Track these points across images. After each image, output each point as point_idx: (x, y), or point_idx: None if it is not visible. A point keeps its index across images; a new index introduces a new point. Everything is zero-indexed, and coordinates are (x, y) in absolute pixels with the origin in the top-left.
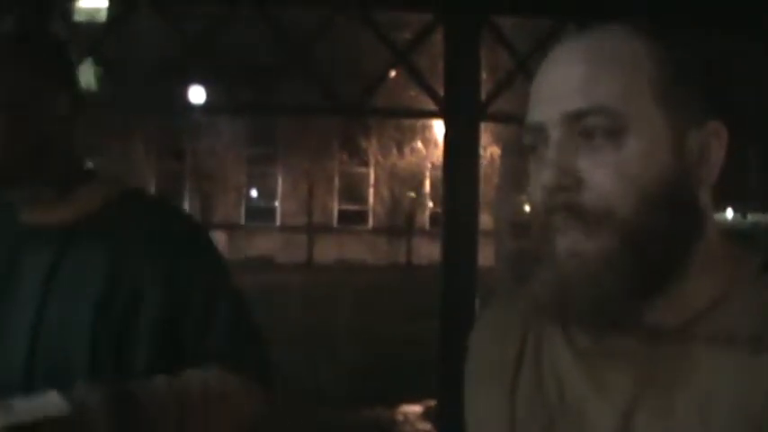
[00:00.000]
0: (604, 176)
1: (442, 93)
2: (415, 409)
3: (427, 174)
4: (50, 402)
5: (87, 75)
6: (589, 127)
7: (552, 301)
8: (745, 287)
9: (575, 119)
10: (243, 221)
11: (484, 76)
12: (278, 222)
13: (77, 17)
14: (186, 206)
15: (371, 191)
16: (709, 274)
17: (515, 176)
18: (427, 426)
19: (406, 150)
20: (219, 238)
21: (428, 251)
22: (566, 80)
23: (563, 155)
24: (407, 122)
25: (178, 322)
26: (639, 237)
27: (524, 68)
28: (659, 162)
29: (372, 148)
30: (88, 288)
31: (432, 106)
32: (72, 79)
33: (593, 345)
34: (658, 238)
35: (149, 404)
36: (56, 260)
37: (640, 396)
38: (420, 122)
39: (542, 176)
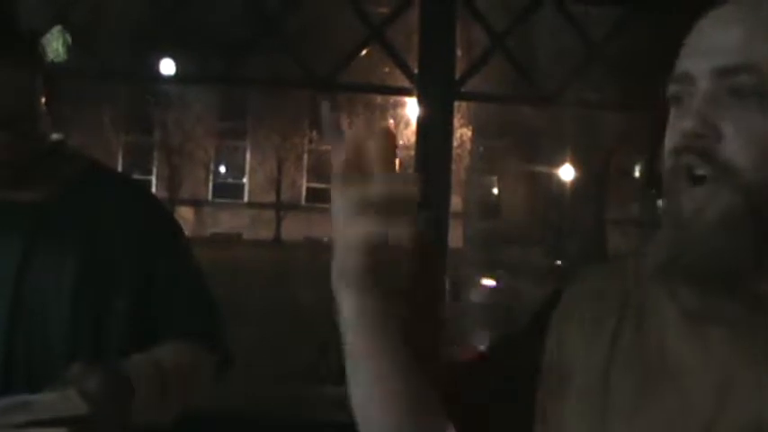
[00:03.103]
0: (745, 136)
1: (415, 70)
2: None
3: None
4: (68, 399)
5: (56, 44)
6: (739, 84)
7: (668, 256)
8: None
9: (726, 74)
10: (210, 197)
11: (459, 53)
12: (246, 199)
13: None
14: (154, 180)
15: None
16: None
17: (485, 158)
18: None
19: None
20: (187, 214)
21: None
22: (723, 37)
23: (707, 106)
24: (378, 101)
25: (148, 295)
26: (763, 205)
27: (500, 46)
28: None
29: (342, 126)
30: (65, 264)
31: (405, 84)
32: (34, 50)
33: (699, 308)
34: None
35: (139, 385)
36: (30, 237)
37: (747, 359)
38: (391, 101)
39: (683, 123)
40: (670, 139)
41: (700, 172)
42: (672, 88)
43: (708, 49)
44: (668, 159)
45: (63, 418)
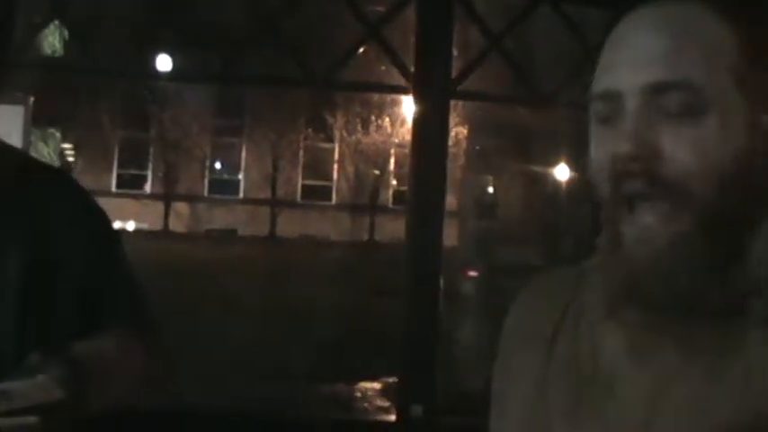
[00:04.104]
0: (684, 152)
1: (412, 69)
2: (374, 385)
3: (392, 151)
4: (43, 386)
5: (53, 39)
6: (670, 100)
7: (621, 289)
8: None
9: (656, 91)
10: (206, 193)
11: (455, 53)
12: (241, 195)
13: None
14: (150, 176)
15: (336, 167)
16: (766, 256)
17: (481, 157)
18: (385, 402)
19: (372, 127)
20: (182, 210)
21: (390, 228)
22: (647, 50)
23: (641, 125)
24: (374, 99)
25: (90, 287)
26: (712, 217)
27: (497, 47)
28: (735, 144)
29: (338, 124)
30: (10, 260)
31: (402, 82)
32: None
33: (639, 318)
34: (729, 219)
35: (90, 373)
36: None
37: (683, 366)
38: (387, 99)
39: (617, 146)
40: (603, 161)
41: (644, 196)
42: (597, 106)
43: (633, 63)
44: (606, 185)
45: (40, 405)
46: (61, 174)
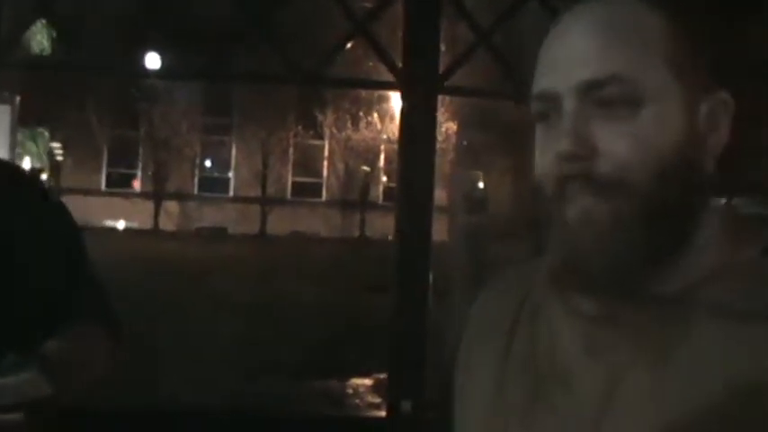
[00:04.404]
0: (620, 146)
1: (400, 64)
2: (365, 381)
3: (382, 148)
4: (32, 382)
5: (40, 37)
6: (605, 96)
7: (565, 268)
8: (746, 263)
9: (590, 88)
10: (196, 191)
11: (443, 48)
12: (231, 193)
13: None
14: (139, 175)
15: (326, 163)
16: (713, 245)
17: (470, 153)
18: (377, 399)
19: (362, 124)
20: (172, 208)
21: (381, 225)
22: (579, 49)
23: (578, 124)
24: (363, 96)
25: (54, 287)
26: (653, 206)
27: (485, 42)
28: (674, 131)
29: (328, 120)
30: None
31: (390, 78)
32: None
33: (593, 309)
34: (671, 208)
35: (62, 370)
36: None
37: (633, 356)
38: (376, 96)
39: (557, 145)
40: (544, 161)
41: (584, 196)
42: (536, 106)
43: (567, 63)
44: (549, 185)
45: (30, 401)
46: (20, 171)
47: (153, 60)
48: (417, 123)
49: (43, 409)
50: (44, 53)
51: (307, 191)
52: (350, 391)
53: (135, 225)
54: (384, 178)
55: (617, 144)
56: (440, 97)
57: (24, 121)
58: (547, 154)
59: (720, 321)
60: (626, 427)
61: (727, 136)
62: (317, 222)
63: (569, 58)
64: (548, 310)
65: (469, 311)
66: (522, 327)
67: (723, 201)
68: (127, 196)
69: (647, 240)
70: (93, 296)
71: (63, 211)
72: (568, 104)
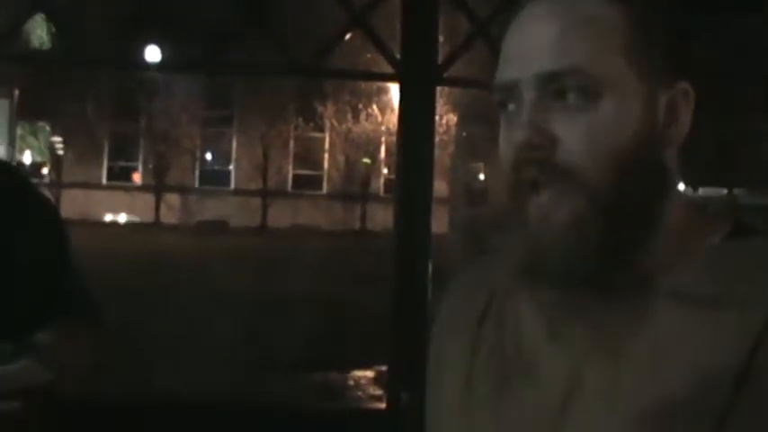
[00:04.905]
0: (578, 137)
1: (398, 55)
2: (366, 374)
3: (383, 139)
4: (32, 369)
5: (40, 31)
6: (563, 88)
7: (524, 265)
8: (706, 250)
9: (548, 79)
10: (197, 184)
11: (441, 39)
12: (232, 186)
13: None
14: (140, 168)
15: (326, 156)
16: (673, 235)
17: (471, 144)
18: (378, 391)
19: (362, 116)
20: (173, 202)
21: (382, 217)
22: (538, 40)
23: (537, 114)
24: (363, 88)
25: (42, 282)
26: (610, 199)
27: (483, 33)
28: (632, 123)
29: (328, 112)
30: None
31: (388, 70)
32: None
33: (554, 298)
34: (629, 201)
35: (54, 357)
36: None
37: (595, 344)
38: (376, 87)
39: (515, 135)
40: (505, 151)
41: (542, 182)
42: (496, 96)
43: (527, 53)
44: (508, 173)
45: (25, 388)
46: (7, 166)
47: (153, 53)
48: (416, 115)
49: (41, 397)
50: (44, 47)
51: (307, 183)
52: (351, 382)
53: (136, 218)
54: (385, 170)
55: (574, 135)
56: (439, 89)
57: (25, 115)
58: (506, 143)
59: (682, 308)
60: (591, 415)
61: (688, 126)
62: (318, 215)
63: (528, 48)
64: (513, 301)
65: (437, 309)
66: (489, 321)
67: (683, 190)
68: (128, 190)
69: (604, 234)
70: (77, 286)
71: (50, 205)
72: (527, 95)
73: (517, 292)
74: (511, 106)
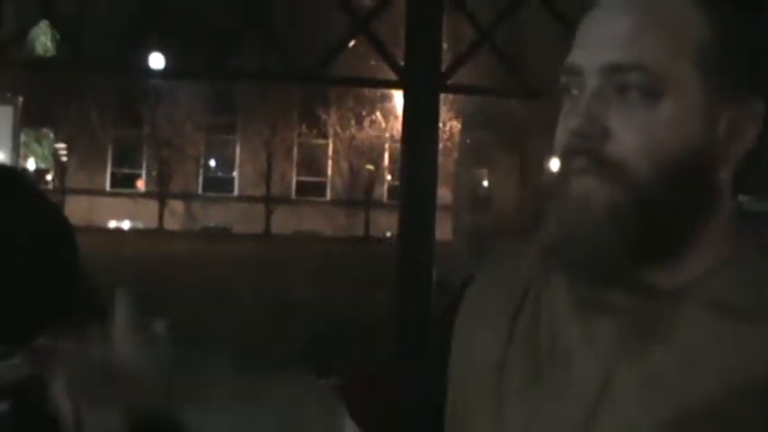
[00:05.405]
0: (632, 135)
1: (402, 63)
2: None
3: (386, 146)
4: (12, 367)
5: (44, 38)
6: (626, 82)
7: (555, 243)
8: (744, 262)
9: (613, 71)
10: (200, 191)
11: (445, 47)
12: (236, 192)
13: None
14: (143, 174)
15: (330, 162)
16: (713, 247)
17: (475, 151)
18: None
19: (366, 122)
20: (177, 208)
21: (386, 224)
22: (610, 31)
23: (595, 104)
24: (367, 94)
25: (44, 286)
26: (651, 199)
27: (487, 40)
28: (689, 131)
29: (332, 119)
30: None
31: (392, 77)
32: None
33: (588, 294)
34: (670, 208)
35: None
36: None
37: (624, 347)
38: (379, 94)
39: (570, 121)
40: (561, 136)
41: (587, 171)
42: (563, 80)
43: (597, 42)
44: (559, 160)
45: (16, 384)
46: (10, 170)
47: (156, 60)
48: (420, 122)
49: (32, 392)
50: (48, 54)
51: (311, 190)
52: None
53: (140, 225)
54: (388, 177)
55: (627, 131)
56: (442, 95)
57: (29, 122)
58: (564, 129)
59: (714, 317)
60: (620, 417)
61: (749, 146)
62: (322, 221)
63: (598, 37)
64: (549, 292)
65: (466, 292)
66: (525, 310)
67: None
68: (131, 196)
69: (641, 233)
70: (84, 292)
71: (55, 210)
72: (590, 83)
73: (553, 283)
74: (574, 92)
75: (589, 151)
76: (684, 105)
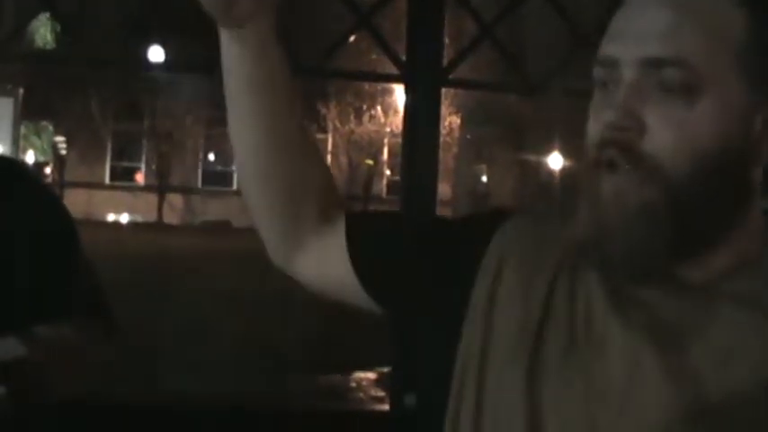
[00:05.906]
0: (668, 131)
1: (403, 57)
2: (368, 375)
3: (386, 141)
4: (7, 346)
5: (44, 31)
6: (665, 77)
7: (587, 240)
8: None
9: (652, 65)
10: (200, 185)
11: (446, 41)
12: (235, 186)
13: None
14: (143, 168)
15: (329, 157)
16: (743, 244)
17: (475, 146)
18: (380, 392)
19: (365, 117)
20: (176, 202)
21: None
22: (649, 24)
23: (632, 98)
24: (367, 89)
25: (46, 283)
26: (685, 199)
27: (489, 35)
28: (726, 130)
29: (331, 114)
30: None
31: (393, 71)
32: None
33: (623, 289)
34: (703, 206)
35: (49, 349)
36: None
37: (658, 340)
38: (380, 88)
39: (606, 113)
40: (594, 129)
41: (621, 164)
42: (597, 72)
43: (635, 34)
44: (591, 151)
45: (8, 361)
46: (15, 164)
47: (156, 53)
48: (421, 116)
49: (20, 372)
50: (48, 47)
51: None
52: (353, 384)
53: (139, 218)
54: (388, 172)
55: (663, 127)
56: (443, 90)
57: (28, 114)
58: (597, 122)
59: (744, 313)
60: (651, 401)
61: None
62: None
63: (636, 30)
64: (585, 274)
65: (502, 229)
66: (561, 286)
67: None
68: (130, 190)
69: (673, 230)
70: (85, 287)
71: (57, 204)
72: (627, 76)
73: (584, 274)
74: (609, 84)
75: (624, 144)
76: (722, 104)
